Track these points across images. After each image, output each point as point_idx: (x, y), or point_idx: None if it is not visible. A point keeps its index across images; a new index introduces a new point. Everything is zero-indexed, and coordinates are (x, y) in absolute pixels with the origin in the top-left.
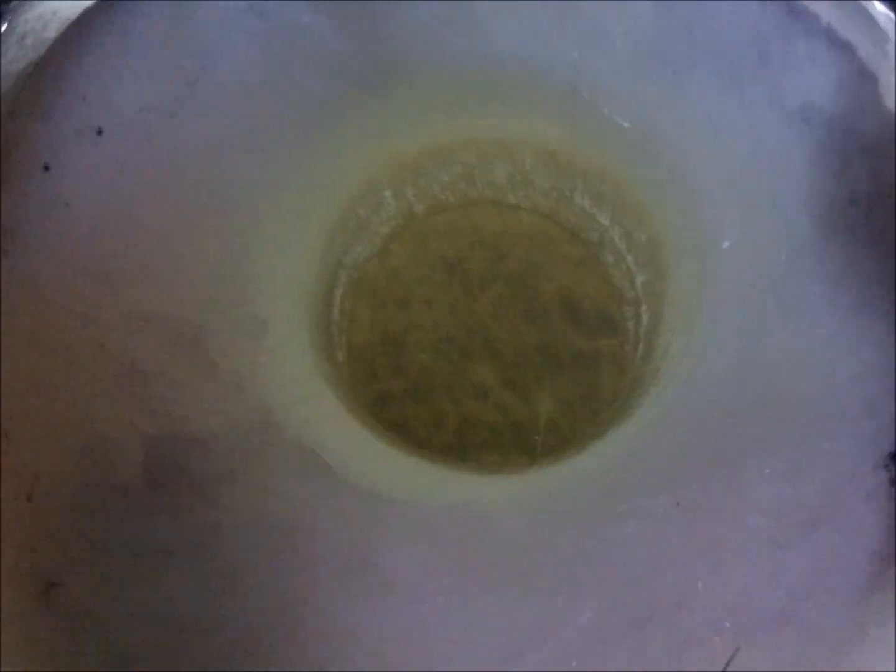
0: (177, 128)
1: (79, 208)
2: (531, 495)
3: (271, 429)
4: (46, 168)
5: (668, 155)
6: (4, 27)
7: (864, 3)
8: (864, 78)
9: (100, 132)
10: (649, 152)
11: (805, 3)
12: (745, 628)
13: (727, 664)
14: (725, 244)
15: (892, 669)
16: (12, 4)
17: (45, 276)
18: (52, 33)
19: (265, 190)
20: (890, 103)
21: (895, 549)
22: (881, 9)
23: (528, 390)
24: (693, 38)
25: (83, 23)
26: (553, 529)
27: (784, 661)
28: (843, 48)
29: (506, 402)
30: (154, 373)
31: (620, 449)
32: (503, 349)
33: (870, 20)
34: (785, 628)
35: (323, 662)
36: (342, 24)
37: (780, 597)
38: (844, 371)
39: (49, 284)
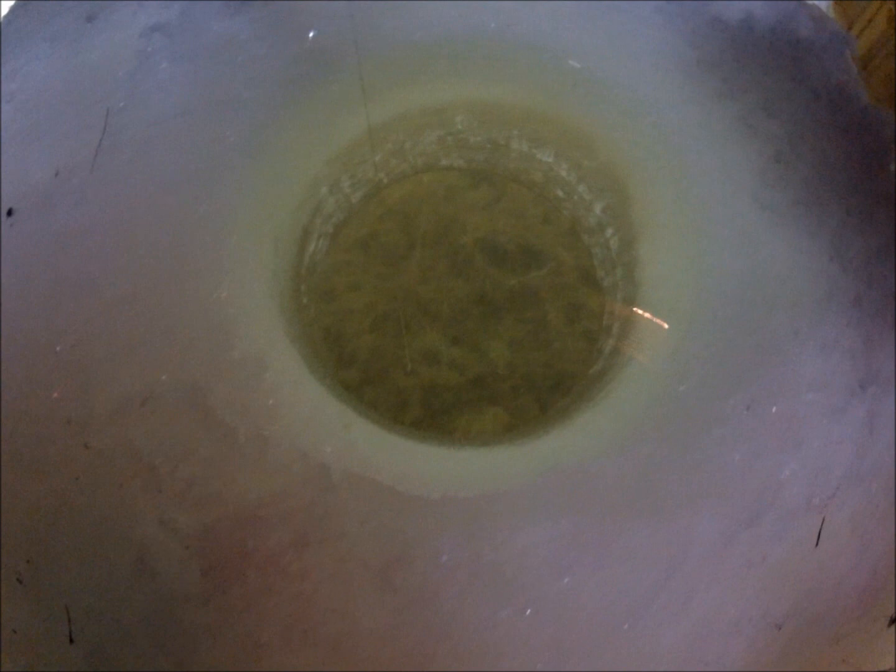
0: (100, 183)
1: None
2: (595, 438)
3: (318, 474)
4: None
5: (620, 91)
6: None
7: None
8: None
9: (10, 213)
10: (596, 90)
11: None
12: (828, 494)
13: (818, 538)
14: (696, 152)
15: None
16: None
17: (14, 388)
18: None
19: (214, 221)
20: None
21: None
22: None
23: (477, 342)
24: None
25: None
26: (639, 461)
27: (862, 517)
28: None
29: (459, 360)
30: (170, 461)
31: (655, 374)
32: (440, 310)
33: None
34: (858, 487)
35: None
36: (260, 27)
37: (850, 458)
38: (832, 253)
39: (21, 397)
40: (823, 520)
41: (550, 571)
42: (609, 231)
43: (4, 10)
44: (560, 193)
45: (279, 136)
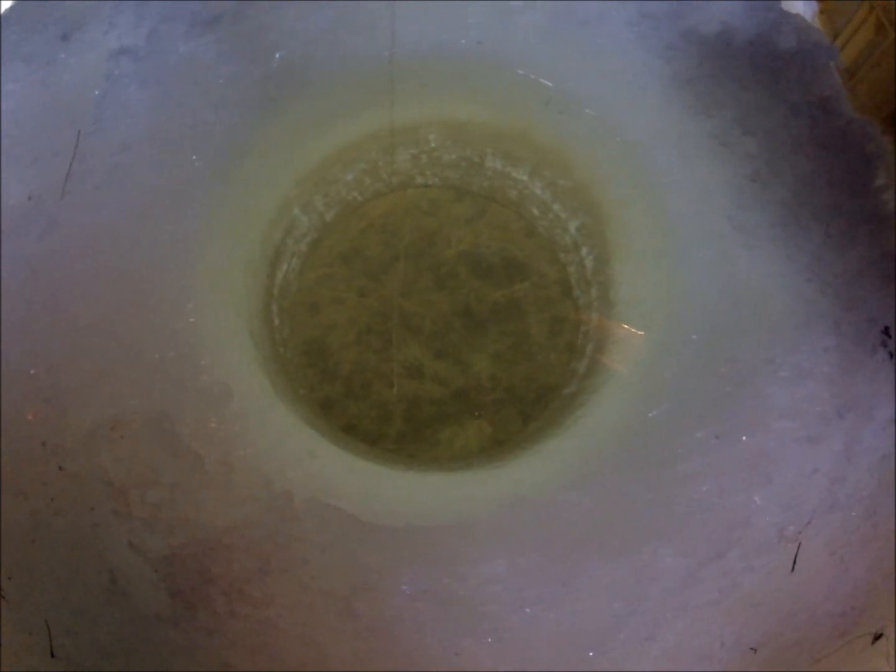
0: (70, 208)
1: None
2: (562, 468)
3: (282, 502)
4: None
5: (593, 109)
6: None
7: None
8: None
9: None
10: (568, 108)
11: None
12: (802, 523)
13: (794, 563)
14: (671, 172)
15: None
16: None
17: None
18: None
19: (181, 246)
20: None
21: None
22: None
23: (460, 355)
24: None
25: None
26: (604, 494)
27: (839, 542)
28: None
29: (442, 373)
30: (139, 486)
31: (628, 395)
32: (423, 323)
33: None
34: (834, 515)
35: None
36: (227, 48)
37: (826, 487)
38: (811, 276)
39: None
40: (799, 546)
41: (513, 602)
42: (584, 250)
43: (4, 10)
44: (535, 212)
45: (247, 158)
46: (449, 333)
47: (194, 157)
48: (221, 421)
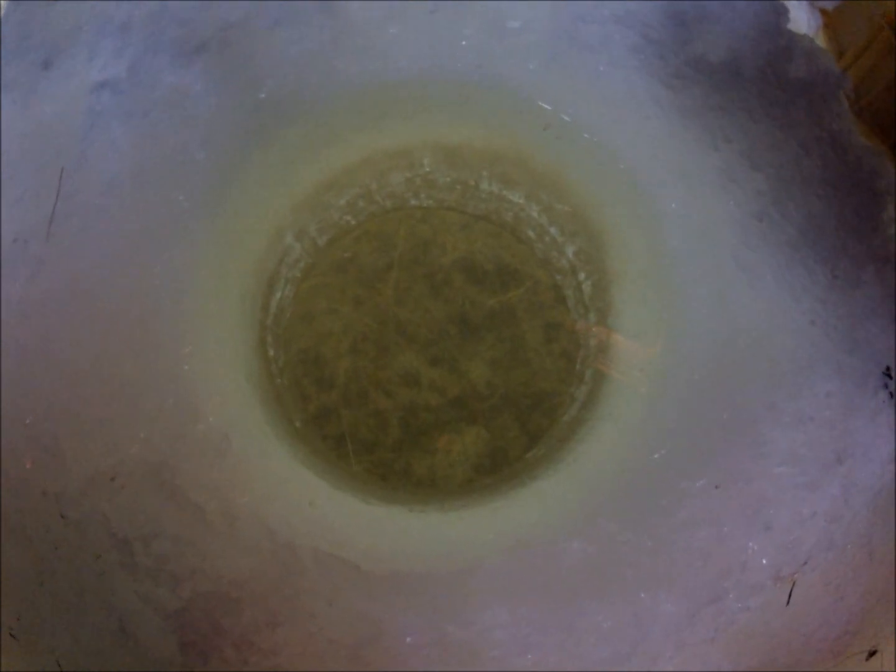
0: (56, 250)
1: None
2: (562, 511)
3: (286, 553)
4: None
5: (593, 135)
6: None
7: None
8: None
9: None
10: (567, 133)
11: None
12: (798, 564)
13: (789, 598)
14: (673, 205)
15: None
16: None
17: None
18: None
19: (171, 287)
20: None
21: None
22: None
23: (456, 363)
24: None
25: None
26: (603, 541)
27: (834, 574)
28: None
29: (438, 381)
30: (142, 538)
31: (627, 436)
32: (418, 331)
33: None
34: (830, 552)
35: None
36: (213, 79)
37: (822, 528)
38: (815, 318)
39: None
40: (794, 583)
41: (516, 648)
42: (582, 275)
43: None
44: (531, 234)
45: (237, 190)
46: (444, 341)
47: (181, 194)
48: (222, 469)
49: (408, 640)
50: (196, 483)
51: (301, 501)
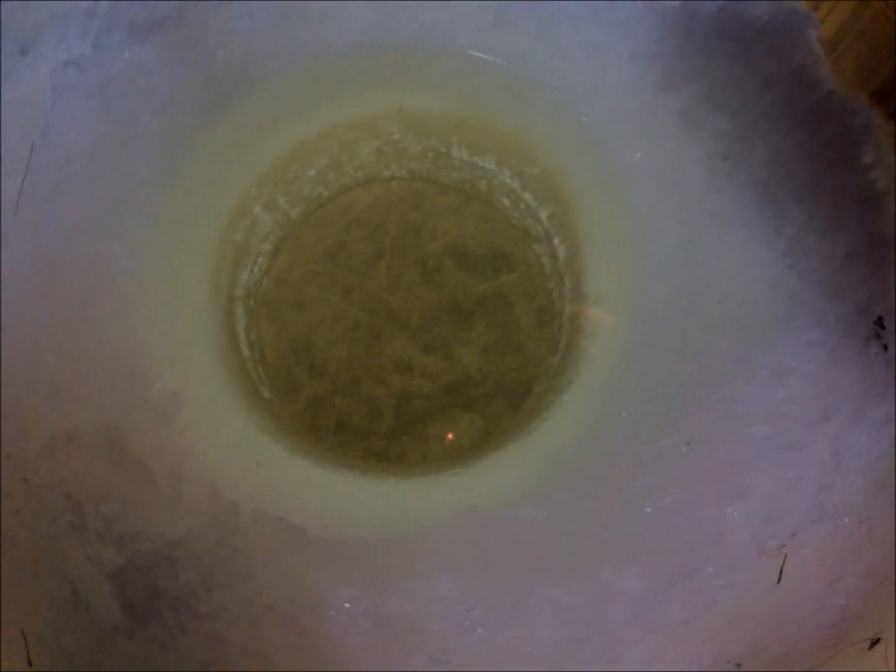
0: (22, 225)
1: None
2: (519, 477)
3: (228, 514)
4: None
5: (551, 91)
6: None
7: None
8: None
9: None
10: (526, 92)
11: None
12: (785, 536)
13: (780, 574)
14: (637, 155)
15: None
16: None
17: None
18: None
19: (128, 258)
20: None
21: None
22: None
23: (448, 349)
24: None
25: None
26: (558, 509)
27: (829, 551)
28: None
29: (430, 368)
30: (93, 498)
31: (590, 397)
32: (410, 318)
33: None
34: (823, 525)
35: None
36: (169, 51)
37: (812, 497)
38: (793, 262)
39: None
40: (785, 557)
41: (462, 623)
42: (556, 240)
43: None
44: (506, 202)
45: (193, 162)
46: (437, 327)
47: (135, 167)
48: (171, 432)
49: (346, 605)
50: (146, 446)
51: (250, 462)
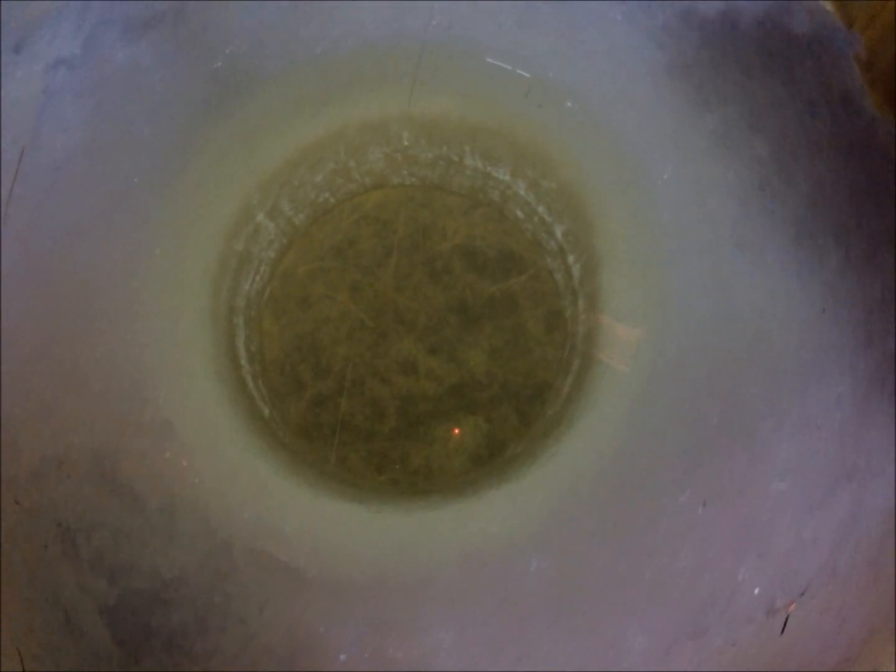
0: (11, 232)
1: None
2: (521, 522)
3: (221, 550)
4: None
5: (575, 102)
6: None
7: None
8: None
9: None
10: (549, 100)
11: None
12: (795, 594)
13: (783, 627)
14: (665, 175)
15: None
16: None
17: None
18: None
19: (126, 267)
20: None
21: None
22: None
23: (455, 351)
24: None
25: None
26: (568, 559)
27: (836, 602)
28: None
29: (436, 369)
30: (84, 528)
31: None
32: (417, 318)
33: None
34: (832, 580)
35: None
36: (165, 51)
37: (826, 555)
38: (825, 306)
39: None
40: (788, 616)
41: None
42: (571, 258)
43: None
44: (520, 214)
45: (192, 167)
46: (444, 329)
47: (130, 171)
48: (164, 460)
49: (342, 657)
50: (138, 473)
51: (245, 495)
